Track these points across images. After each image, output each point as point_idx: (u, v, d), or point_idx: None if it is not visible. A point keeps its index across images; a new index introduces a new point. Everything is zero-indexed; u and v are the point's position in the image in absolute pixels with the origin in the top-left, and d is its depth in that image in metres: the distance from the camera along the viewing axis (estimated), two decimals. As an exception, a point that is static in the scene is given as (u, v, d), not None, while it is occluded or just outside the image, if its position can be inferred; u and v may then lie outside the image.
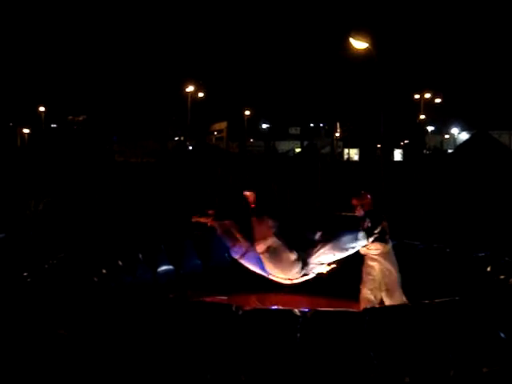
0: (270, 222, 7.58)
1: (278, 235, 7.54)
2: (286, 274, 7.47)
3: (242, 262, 7.70)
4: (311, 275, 7.43)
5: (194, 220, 7.97)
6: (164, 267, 8.56)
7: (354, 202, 7.45)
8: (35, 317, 5.86)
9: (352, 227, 7.26)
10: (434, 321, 5.24)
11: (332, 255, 7.26)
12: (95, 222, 14.78)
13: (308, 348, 4.93)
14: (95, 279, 6.69)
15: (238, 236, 7.72)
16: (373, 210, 7.36)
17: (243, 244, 7.68)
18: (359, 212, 7.39)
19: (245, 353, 4.98)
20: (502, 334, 5.17)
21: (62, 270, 6.72)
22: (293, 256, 7.40)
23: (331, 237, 7.29)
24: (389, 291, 7.15)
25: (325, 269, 7.38)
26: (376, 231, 7.15)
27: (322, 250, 7.29)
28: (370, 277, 7.25)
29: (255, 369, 4.90)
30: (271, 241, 7.48)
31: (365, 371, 4.82)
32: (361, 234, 7.14)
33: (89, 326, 5.51)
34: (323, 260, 7.32)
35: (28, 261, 8.49)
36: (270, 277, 7.59)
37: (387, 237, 7.27)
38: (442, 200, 19.72)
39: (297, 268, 7.40)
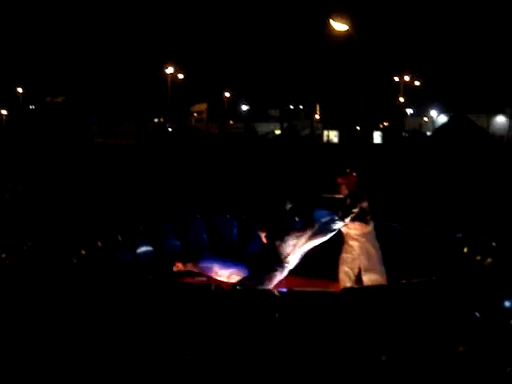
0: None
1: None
2: (280, 276, 7.22)
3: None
4: (298, 260, 7.22)
5: (175, 269, 7.94)
6: (143, 248, 8.54)
7: (340, 180, 7.41)
8: (13, 300, 5.83)
9: (331, 209, 7.23)
10: (411, 300, 5.31)
11: (309, 244, 7.08)
12: (74, 203, 14.70)
13: (286, 328, 4.97)
14: (74, 260, 6.67)
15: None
16: (356, 190, 7.36)
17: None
18: (343, 191, 7.35)
19: (224, 333, 5.01)
20: (478, 314, 5.25)
21: (41, 252, 6.68)
22: (264, 274, 6.98)
23: (311, 224, 7.09)
24: (368, 271, 7.20)
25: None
26: (354, 210, 7.14)
27: (299, 245, 6.96)
28: (350, 256, 7.29)
29: (234, 349, 4.94)
30: (234, 276, 7.31)
31: (342, 350, 4.87)
32: (336, 217, 7.09)
33: (67, 307, 5.50)
34: (303, 250, 7.11)
35: (6, 242, 8.44)
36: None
37: (368, 217, 7.28)
38: (421, 182, 19.89)
39: (279, 272, 7.13)
